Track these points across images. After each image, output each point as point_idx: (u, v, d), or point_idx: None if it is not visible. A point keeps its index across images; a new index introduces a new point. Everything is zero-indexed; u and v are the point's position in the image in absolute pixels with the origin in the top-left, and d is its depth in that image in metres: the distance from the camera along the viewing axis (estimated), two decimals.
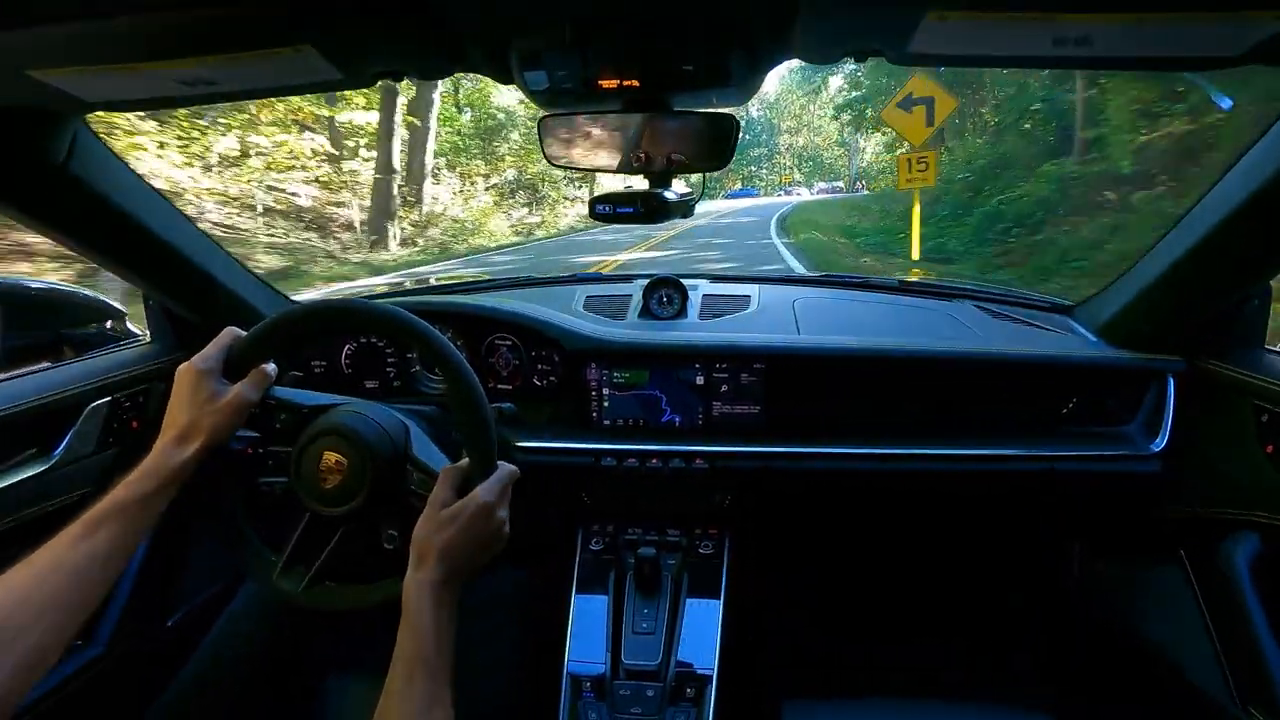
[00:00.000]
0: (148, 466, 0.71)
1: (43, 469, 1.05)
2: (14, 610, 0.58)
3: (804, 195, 39.43)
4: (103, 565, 0.65)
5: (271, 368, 0.82)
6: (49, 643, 0.59)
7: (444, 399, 0.92)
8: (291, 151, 11.40)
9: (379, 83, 0.72)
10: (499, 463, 0.77)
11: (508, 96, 17.51)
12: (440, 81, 10.61)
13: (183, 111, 8.84)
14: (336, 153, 12.75)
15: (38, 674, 0.58)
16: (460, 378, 0.78)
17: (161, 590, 1.32)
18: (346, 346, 1.34)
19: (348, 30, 0.59)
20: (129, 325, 1.33)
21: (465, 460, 0.78)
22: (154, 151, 8.98)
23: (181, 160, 9.72)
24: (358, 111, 12.38)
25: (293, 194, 11.85)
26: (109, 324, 1.28)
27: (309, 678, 1.45)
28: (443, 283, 1.68)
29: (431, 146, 14.74)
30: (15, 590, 0.59)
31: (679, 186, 0.87)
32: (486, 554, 0.74)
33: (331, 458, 0.83)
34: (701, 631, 1.15)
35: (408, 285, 1.81)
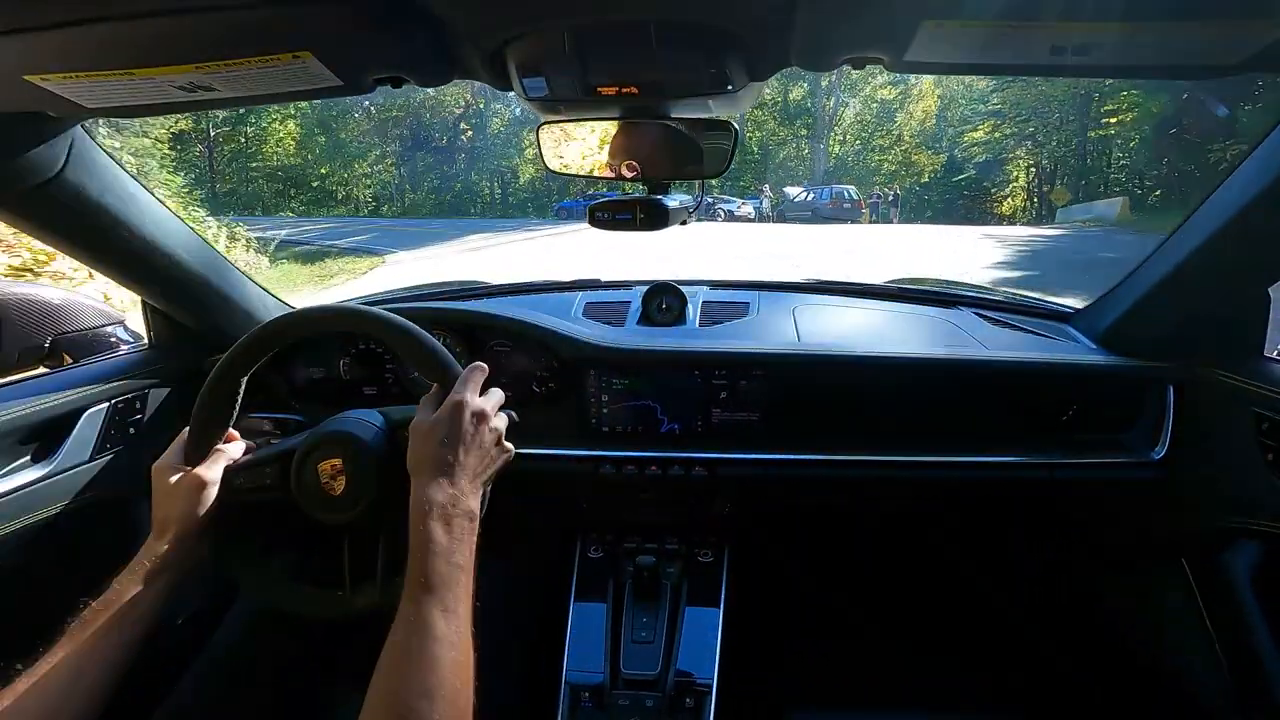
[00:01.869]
0: (133, 566, 0.72)
1: (42, 474, 1.04)
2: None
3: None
4: (99, 667, 0.65)
5: (234, 446, 0.83)
6: None
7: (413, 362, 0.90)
8: None
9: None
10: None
11: None
12: None
13: None
14: None
15: None
16: (389, 324, 0.79)
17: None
18: (343, 354, 1.33)
19: (347, 37, 0.59)
20: (127, 330, 1.32)
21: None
22: None
23: None
24: None
25: None
26: (107, 329, 1.28)
27: (311, 682, 1.44)
28: (442, 289, 1.68)
29: None
30: (20, 699, 0.60)
31: (677, 194, 0.87)
32: (484, 459, 0.71)
33: (329, 465, 0.82)
34: (701, 641, 1.14)
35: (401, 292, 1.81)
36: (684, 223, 0.88)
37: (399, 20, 0.56)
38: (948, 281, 1.95)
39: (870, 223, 19.07)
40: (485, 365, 0.76)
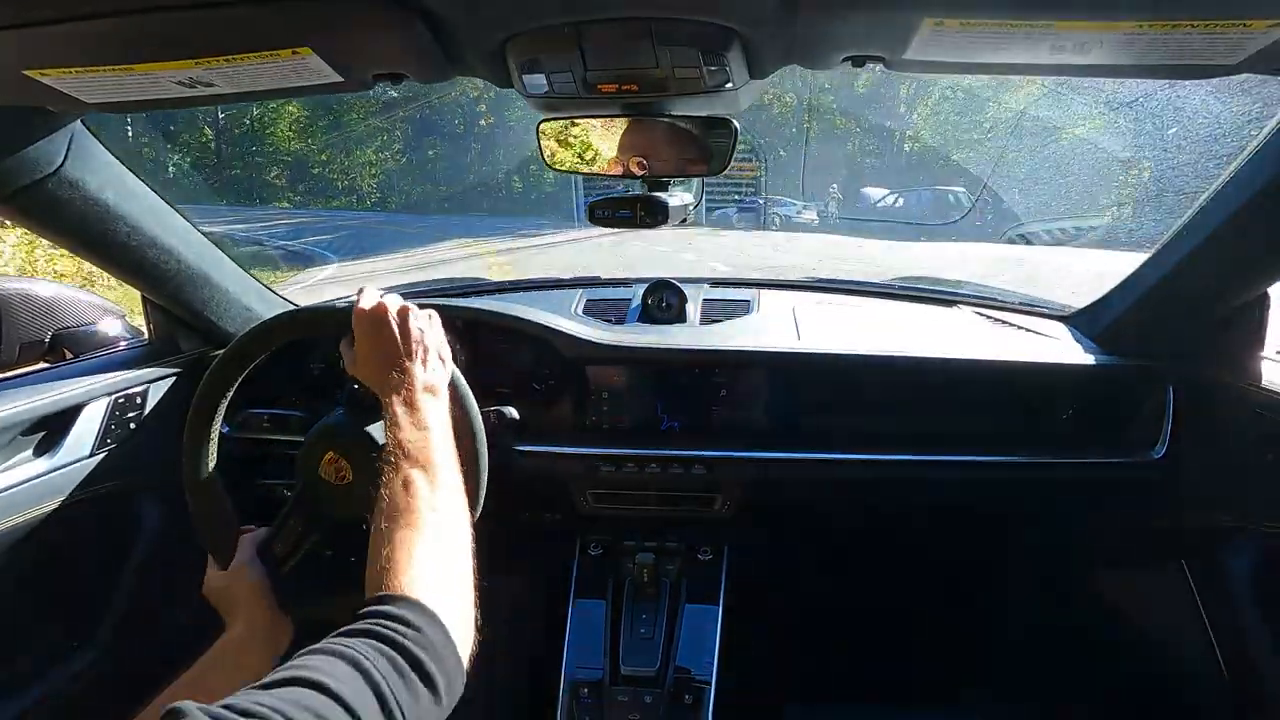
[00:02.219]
0: (215, 658, 0.75)
1: (43, 469, 1.05)
2: None
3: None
4: None
5: (246, 539, 0.86)
6: None
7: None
8: None
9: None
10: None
11: None
12: None
13: None
14: None
15: None
16: (269, 327, 0.85)
17: (161, 592, 1.31)
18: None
19: (347, 34, 0.59)
20: (127, 326, 1.33)
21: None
22: None
23: None
24: None
25: None
26: (107, 324, 1.28)
27: None
28: (442, 286, 1.68)
29: None
30: None
31: (677, 191, 0.87)
32: (416, 337, 0.75)
33: (329, 457, 0.83)
34: (700, 638, 1.14)
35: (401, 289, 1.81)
36: (683, 220, 0.88)
37: (399, 17, 0.56)
38: (947, 280, 1.95)
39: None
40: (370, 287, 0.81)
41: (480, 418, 0.88)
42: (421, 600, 0.51)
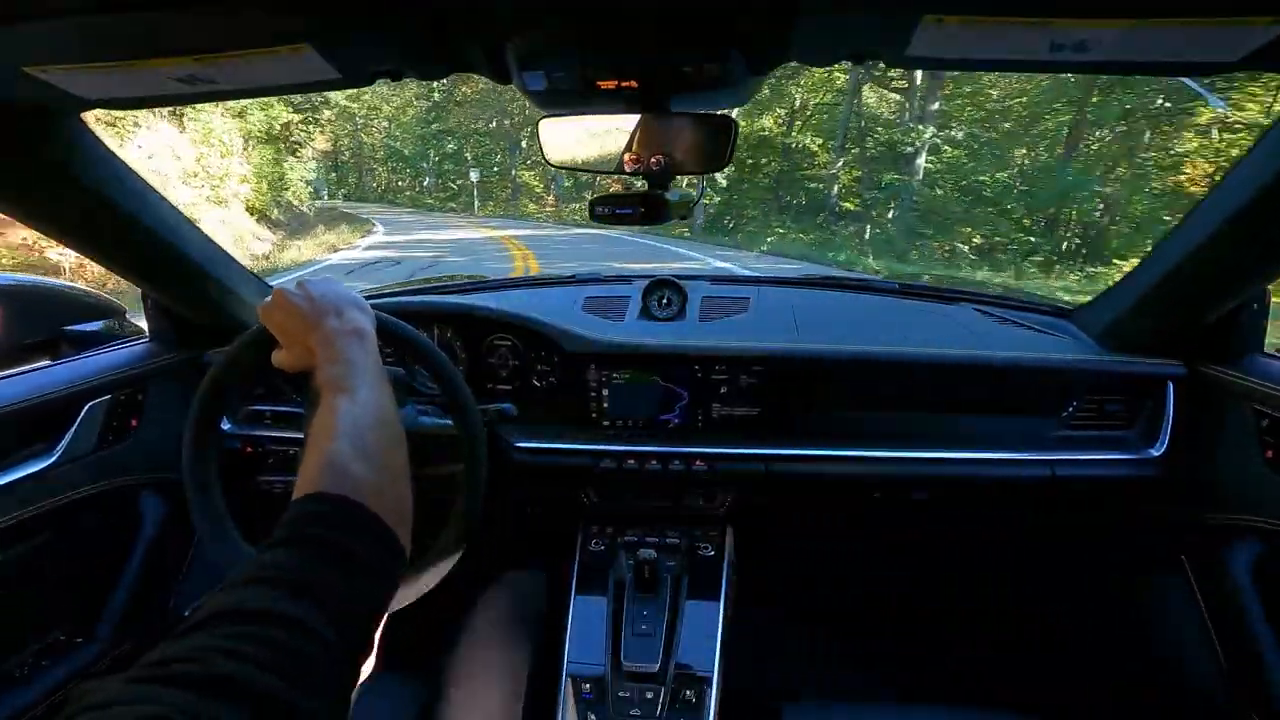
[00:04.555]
0: None
1: (43, 466, 1.05)
2: None
3: None
4: None
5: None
6: None
7: (442, 399, 0.93)
8: None
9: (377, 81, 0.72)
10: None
11: None
12: None
13: None
14: None
15: None
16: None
17: (162, 589, 1.32)
18: None
19: (346, 30, 0.59)
20: (128, 323, 1.33)
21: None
22: None
23: None
24: None
25: None
26: (108, 321, 1.28)
27: None
28: (442, 283, 1.68)
29: None
30: None
31: (677, 188, 0.87)
32: (322, 292, 0.74)
33: None
34: (702, 634, 1.14)
35: (402, 286, 1.81)
36: (684, 217, 0.89)
37: (398, 13, 0.56)
38: (947, 278, 1.95)
39: None
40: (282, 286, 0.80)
41: (475, 406, 0.89)
42: (335, 492, 0.50)
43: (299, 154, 16.73)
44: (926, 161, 13.54)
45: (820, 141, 16.37)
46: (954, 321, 1.39)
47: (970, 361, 1.20)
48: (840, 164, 15.68)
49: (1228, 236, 0.90)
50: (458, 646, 1.25)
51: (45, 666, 1.11)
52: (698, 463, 1.21)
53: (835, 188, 15.80)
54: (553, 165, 0.89)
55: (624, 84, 0.69)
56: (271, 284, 1.33)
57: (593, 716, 1.05)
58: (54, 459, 1.07)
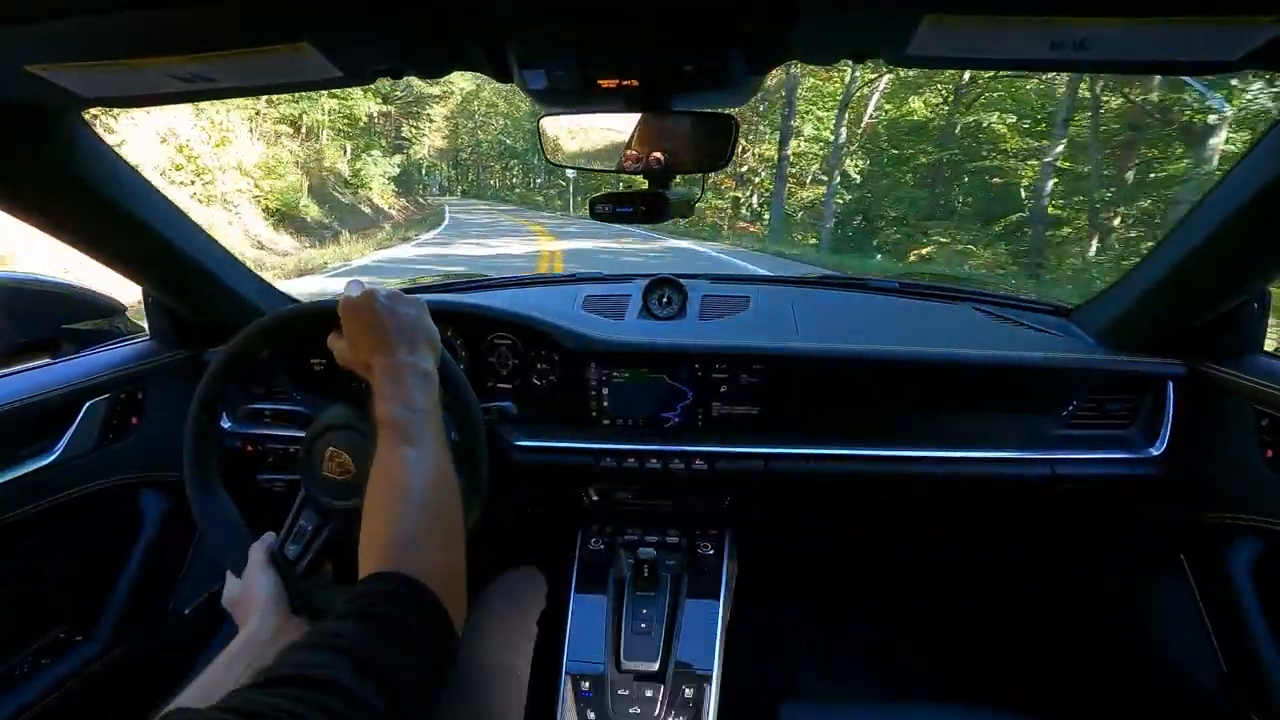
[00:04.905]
0: (234, 655, 0.75)
1: (43, 465, 1.05)
2: None
3: None
4: None
5: (256, 547, 0.87)
6: None
7: (444, 398, 0.93)
8: None
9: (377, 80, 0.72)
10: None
11: None
12: None
13: None
14: None
15: None
16: (265, 328, 0.87)
17: (163, 587, 1.32)
18: None
19: (346, 27, 0.59)
20: (128, 322, 1.33)
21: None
22: None
23: None
24: None
25: None
26: (109, 320, 1.28)
27: None
28: (442, 281, 1.68)
29: None
30: None
31: (678, 186, 0.87)
32: (403, 319, 0.74)
33: (330, 452, 0.84)
34: (701, 632, 1.15)
35: (402, 284, 1.81)
36: (683, 215, 0.89)
37: (397, 12, 0.56)
38: (949, 277, 1.95)
39: None
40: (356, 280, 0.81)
41: (477, 405, 0.89)
42: (403, 571, 0.53)
43: (381, 147, 16.27)
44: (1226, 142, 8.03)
45: (1011, 120, 11.97)
46: (954, 321, 1.39)
47: (970, 361, 1.20)
48: (1060, 149, 10.76)
49: (1228, 236, 0.90)
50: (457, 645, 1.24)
51: (45, 665, 1.11)
52: (697, 462, 1.21)
53: (1049, 183, 10.82)
54: (553, 163, 0.89)
55: (624, 83, 0.69)
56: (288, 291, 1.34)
57: (592, 714, 1.06)
58: (54, 457, 1.07)
